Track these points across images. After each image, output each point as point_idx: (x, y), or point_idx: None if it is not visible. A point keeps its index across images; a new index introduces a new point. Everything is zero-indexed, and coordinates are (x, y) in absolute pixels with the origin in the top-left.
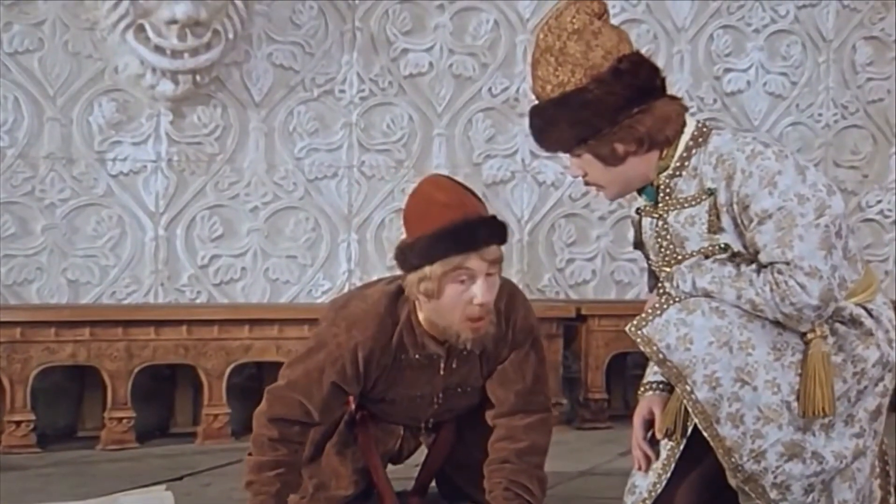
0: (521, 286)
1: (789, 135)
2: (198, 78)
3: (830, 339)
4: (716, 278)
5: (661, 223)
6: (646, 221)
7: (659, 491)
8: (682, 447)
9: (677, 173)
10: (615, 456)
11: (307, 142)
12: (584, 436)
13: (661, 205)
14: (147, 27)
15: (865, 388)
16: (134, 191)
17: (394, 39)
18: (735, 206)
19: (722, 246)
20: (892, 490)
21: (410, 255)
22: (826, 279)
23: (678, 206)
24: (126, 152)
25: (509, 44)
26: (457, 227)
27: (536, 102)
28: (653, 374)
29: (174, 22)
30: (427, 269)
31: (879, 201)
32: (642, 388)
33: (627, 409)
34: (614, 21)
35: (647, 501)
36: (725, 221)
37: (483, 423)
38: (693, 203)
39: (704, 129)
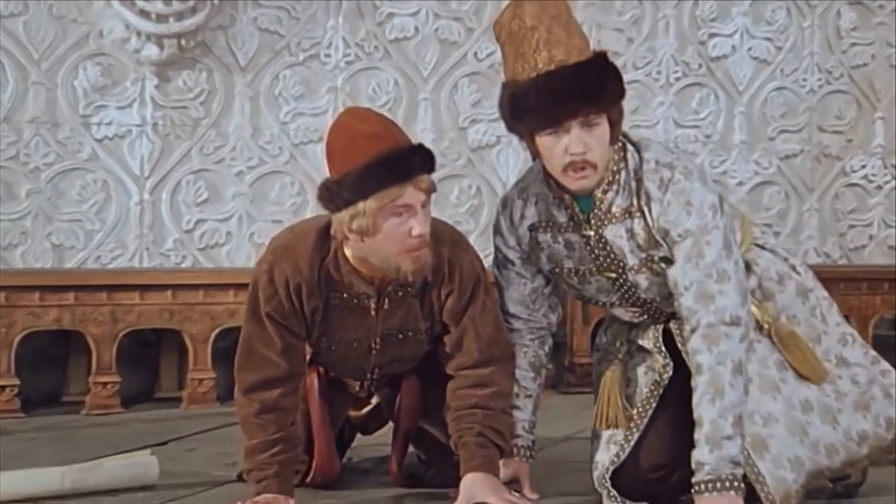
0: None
1: (774, 100)
2: (183, 42)
3: (783, 319)
4: (721, 413)
5: (595, 237)
6: (565, 237)
7: (621, 459)
8: (645, 420)
9: (610, 187)
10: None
11: (293, 106)
12: (570, 400)
13: (593, 220)
14: None
15: (822, 313)
16: (119, 155)
17: (379, 4)
18: (658, 231)
19: (661, 256)
20: None
21: (340, 192)
22: (732, 276)
23: (613, 221)
24: (111, 116)
25: (495, 9)
26: (389, 158)
27: (569, 63)
28: (521, 437)
29: None
30: (361, 205)
31: (864, 166)
32: (515, 449)
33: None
34: None
35: (610, 468)
36: (659, 239)
37: (444, 379)
38: (626, 217)
39: (620, 145)
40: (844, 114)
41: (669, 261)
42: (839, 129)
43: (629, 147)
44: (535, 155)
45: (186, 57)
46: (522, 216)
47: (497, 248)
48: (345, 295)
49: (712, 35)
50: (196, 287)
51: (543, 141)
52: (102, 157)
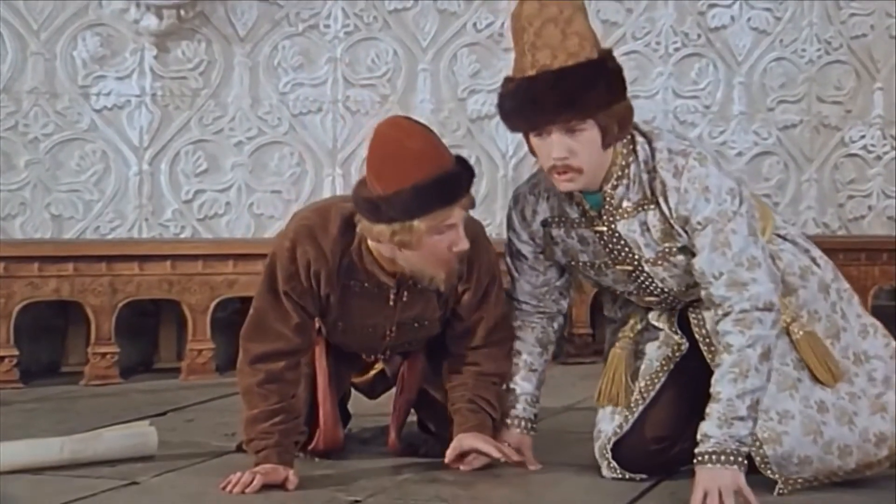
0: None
1: (773, 70)
2: (182, 12)
3: (804, 315)
4: (740, 394)
5: (608, 232)
6: (578, 232)
7: (625, 430)
8: (652, 393)
9: (620, 182)
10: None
11: (292, 77)
12: (569, 370)
13: (605, 216)
14: None
15: (843, 308)
16: (118, 126)
17: None
18: (677, 220)
19: (678, 248)
20: None
21: (387, 210)
22: (762, 261)
23: (626, 216)
24: (110, 87)
25: None
26: (439, 181)
27: (551, 69)
28: (522, 408)
29: None
30: (408, 224)
31: (863, 136)
32: (510, 420)
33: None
34: None
35: (612, 439)
36: (679, 229)
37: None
38: (639, 210)
39: (629, 138)
40: (843, 84)
41: (688, 251)
42: (838, 100)
43: (639, 139)
44: (532, 151)
45: (185, 27)
46: (535, 212)
47: (510, 241)
48: (365, 284)
49: (711, 5)
50: (195, 258)
51: (532, 140)
52: (101, 128)
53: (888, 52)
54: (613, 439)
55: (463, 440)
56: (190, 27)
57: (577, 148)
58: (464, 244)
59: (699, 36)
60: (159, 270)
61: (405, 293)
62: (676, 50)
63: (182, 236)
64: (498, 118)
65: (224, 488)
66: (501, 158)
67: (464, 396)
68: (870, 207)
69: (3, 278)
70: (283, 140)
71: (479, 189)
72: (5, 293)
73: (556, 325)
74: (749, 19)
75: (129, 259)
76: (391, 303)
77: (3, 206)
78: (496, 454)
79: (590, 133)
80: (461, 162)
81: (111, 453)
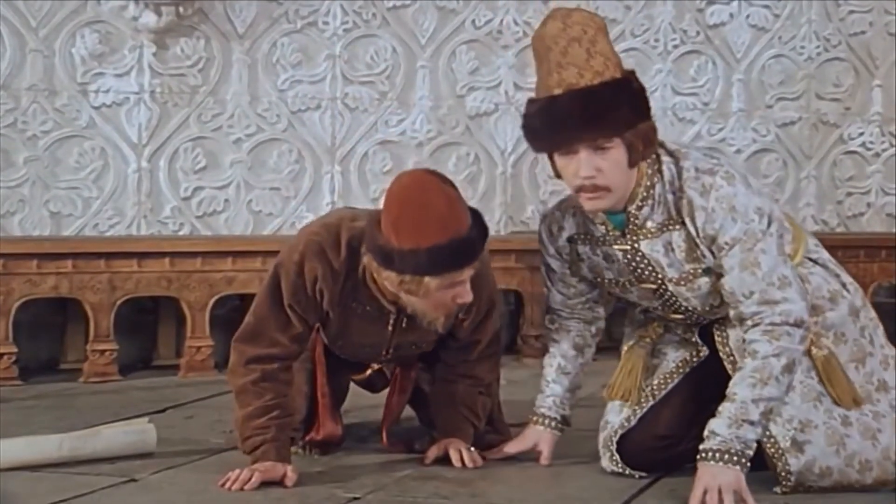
0: (504, 219)
1: (772, 67)
2: (181, 9)
3: (830, 337)
4: (756, 399)
5: (632, 251)
6: (603, 249)
7: (632, 423)
8: (664, 391)
9: (645, 202)
10: (599, 388)
11: (290, 74)
12: None
13: (628, 235)
14: None
15: (871, 334)
16: (117, 123)
17: None
18: (704, 240)
19: (703, 270)
20: None
21: (401, 265)
22: (792, 280)
23: (650, 236)
24: (109, 84)
25: None
26: (455, 245)
27: (577, 87)
28: (547, 407)
29: None
30: (420, 279)
31: (861, 133)
32: (536, 418)
33: (611, 341)
34: None
35: (619, 432)
36: (704, 249)
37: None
38: (664, 230)
39: (654, 157)
40: (842, 81)
41: (712, 273)
42: (837, 97)
43: (665, 159)
44: (556, 173)
45: (184, 24)
46: (561, 227)
47: (541, 254)
48: (367, 307)
49: (710, 2)
50: (194, 255)
51: (558, 160)
52: (100, 125)
53: (887, 50)
54: (620, 431)
55: (440, 444)
56: (189, 24)
57: (604, 166)
58: (468, 297)
59: (698, 33)
60: (158, 267)
61: (404, 320)
62: (675, 47)
63: (181, 233)
64: (496, 115)
65: (223, 485)
66: (500, 155)
67: (450, 402)
68: (868, 204)
69: (1, 275)
70: (282, 137)
71: (477, 186)
72: (4, 290)
73: (594, 329)
74: (748, 16)
75: (127, 256)
76: (390, 327)
77: (2, 203)
78: (457, 464)
79: (616, 151)
80: (476, 221)
81: (110, 450)
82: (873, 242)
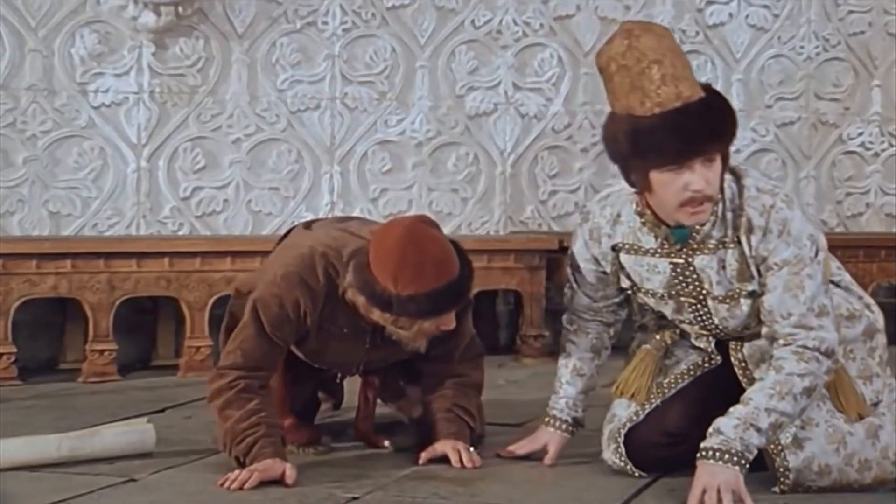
0: (503, 219)
1: (771, 67)
2: (180, 9)
3: (839, 352)
4: (769, 409)
5: (684, 265)
6: (649, 261)
7: (640, 418)
8: (674, 390)
9: (709, 219)
10: (600, 387)
11: (290, 73)
12: None
13: (685, 249)
14: None
15: (881, 356)
16: (116, 122)
17: None
18: (754, 259)
19: (748, 292)
20: None
21: (398, 307)
22: (830, 311)
23: (706, 251)
24: (108, 84)
25: None
26: (449, 287)
27: (697, 99)
28: (559, 409)
29: None
30: (415, 321)
31: (861, 133)
32: (548, 419)
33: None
34: None
35: (627, 425)
36: (753, 269)
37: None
38: (720, 247)
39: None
40: (841, 81)
41: (755, 296)
42: (836, 97)
43: (726, 176)
44: (643, 189)
45: (183, 24)
46: (608, 235)
47: (573, 255)
48: (344, 329)
49: (709, 2)
50: (193, 255)
51: (662, 177)
52: (99, 125)
53: (886, 50)
54: (629, 425)
55: (437, 446)
56: (188, 24)
57: (712, 179)
58: (452, 324)
59: (697, 33)
60: (157, 267)
61: (379, 338)
62: None
63: (180, 233)
64: (496, 115)
65: (222, 485)
66: (500, 155)
67: (443, 406)
68: (868, 204)
69: (1, 275)
70: (281, 137)
71: (476, 186)
72: (3, 290)
73: (612, 331)
74: (747, 16)
75: (127, 256)
76: (366, 345)
77: (2, 202)
78: (456, 464)
79: (718, 164)
80: (462, 259)
81: (109, 450)
82: (872, 242)
